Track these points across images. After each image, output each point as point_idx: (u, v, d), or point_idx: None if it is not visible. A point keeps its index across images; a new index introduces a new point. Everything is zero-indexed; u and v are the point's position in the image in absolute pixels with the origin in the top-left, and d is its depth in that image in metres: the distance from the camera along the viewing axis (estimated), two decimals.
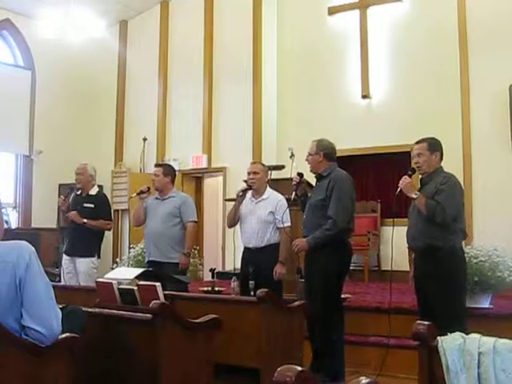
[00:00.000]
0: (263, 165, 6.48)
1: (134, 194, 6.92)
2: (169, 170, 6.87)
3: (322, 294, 5.35)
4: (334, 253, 5.36)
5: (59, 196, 10.19)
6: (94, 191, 7.52)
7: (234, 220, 6.38)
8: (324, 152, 5.57)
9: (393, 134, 10.49)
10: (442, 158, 5.08)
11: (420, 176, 5.18)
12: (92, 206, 7.36)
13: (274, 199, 6.16)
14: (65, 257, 7.39)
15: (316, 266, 5.40)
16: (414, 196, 4.91)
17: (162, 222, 6.61)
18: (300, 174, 5.76)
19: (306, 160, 5.68)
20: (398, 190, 5.02)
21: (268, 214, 6.08)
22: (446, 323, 4.38)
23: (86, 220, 7.23)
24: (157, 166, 7.27)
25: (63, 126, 12.74)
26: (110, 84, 13.40)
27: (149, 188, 6.81)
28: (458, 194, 4.95)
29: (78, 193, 7.47)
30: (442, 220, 4.77)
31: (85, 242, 7.25)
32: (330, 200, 5.37)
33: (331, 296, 5.42)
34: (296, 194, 5.78)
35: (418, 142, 5.10)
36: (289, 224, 6.10)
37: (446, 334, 2.68)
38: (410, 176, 5.03)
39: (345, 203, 5.40)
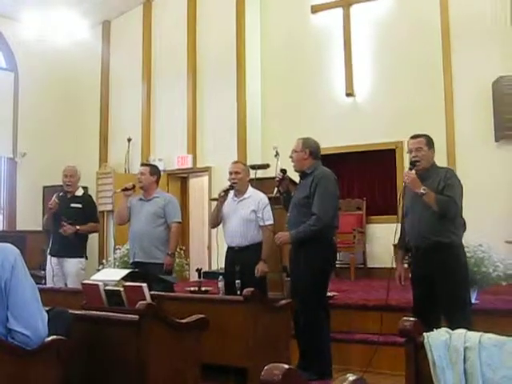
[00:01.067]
0: (244, 164, 6.54)
1: (119, 190, 6.88)
2: (155, 170, 6.89)
3: (308, 293, 5.35)
4: (319, 251, 5.36)
5: (44, 198, 10.13)
6: (79, 192, 7.52)
7: (216, 220, 6.41)
8: (310, 149, 5.57)
9: (377, 131, 10.53)
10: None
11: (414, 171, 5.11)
12: (79, 206, 7.35)
13: (255, 198, 6.19)
14: (51, 259, 7.33)
15: (301, 265, 5.40)
16: (422, 191, 4.74)
17: (147, 222, 6.59)
18: (283, 171, 5.77)
19: (291, 157, 5.66)
20: (404, 185, 4.99)
21: (250, 212, 6.11)
22: (458, 318, 4.46)
23: (78, 227, 7.20)
24: (143, 165, 7.26)
25: (47, 127, 12.65)
26: (94, 84, 13.34)
27: (134, 185, 6.79)
28: (461, 188, 4.91)
29: (61, 194, 7.43)
30: (455, 215, 4.77)
31: (74, 242, 7.23)
32: (314, 197, 5.38)
33: (317, 294, 5.42)
34: (278, 191, 5.78)
35: (414, 137, 5.03)
36: (271, 222, 6.12)
37: (432, 330, 2.70)
38: (411, 170, 4.97)
39: (328, 200, 5.41)
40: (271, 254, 6.12)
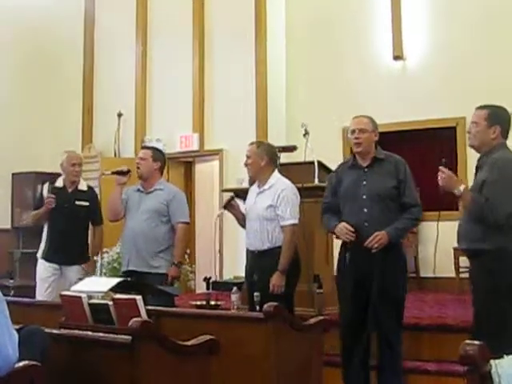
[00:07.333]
0: (259, 145, 6.32)
1: (109, 172, 6.83)
2: (159, 156, 6.85)
3: (399, 307, 5.45)
4: (402, 254, 5.55)
5: (13, 188, 10.16)
6: (83, 186, 7.51)
7: (243, 223, 6.43)
8: (377, 132, 5.58)
9: (435, 104, 10.45)
10: (505, 136, 4.91)
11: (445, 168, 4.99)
12: (86, 203, 7.37)
13: (276, 189, 6.05)
14: (48, 265, 7.32)
15: (383, 275, 5.27)
16: (456, 193, 4.81)
17: (145, 220, 6.57)
18: None
19: (356, 138, 5.50)
20: (441, 189, 4.96)
21: (267, 207, 6.01)
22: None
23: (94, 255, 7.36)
24: (144, 148, 7.21)
25: (12, 99, 12.36)
26: (75, 43, 13.30)
27: (129, 170, 6.72)
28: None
29: (55, 186, 7.37)
30: (495, 221, 4.67)
31: (82, 245, 7.37)
32: (406, 186, 5.54)
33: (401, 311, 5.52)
34: None
35: (478, 108, 4.97)
36: (293, 221, 5.98)
37: (502, 356, 2.69)
38: (446, 167, 4.90)
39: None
40: (288, 264, 6.05)
